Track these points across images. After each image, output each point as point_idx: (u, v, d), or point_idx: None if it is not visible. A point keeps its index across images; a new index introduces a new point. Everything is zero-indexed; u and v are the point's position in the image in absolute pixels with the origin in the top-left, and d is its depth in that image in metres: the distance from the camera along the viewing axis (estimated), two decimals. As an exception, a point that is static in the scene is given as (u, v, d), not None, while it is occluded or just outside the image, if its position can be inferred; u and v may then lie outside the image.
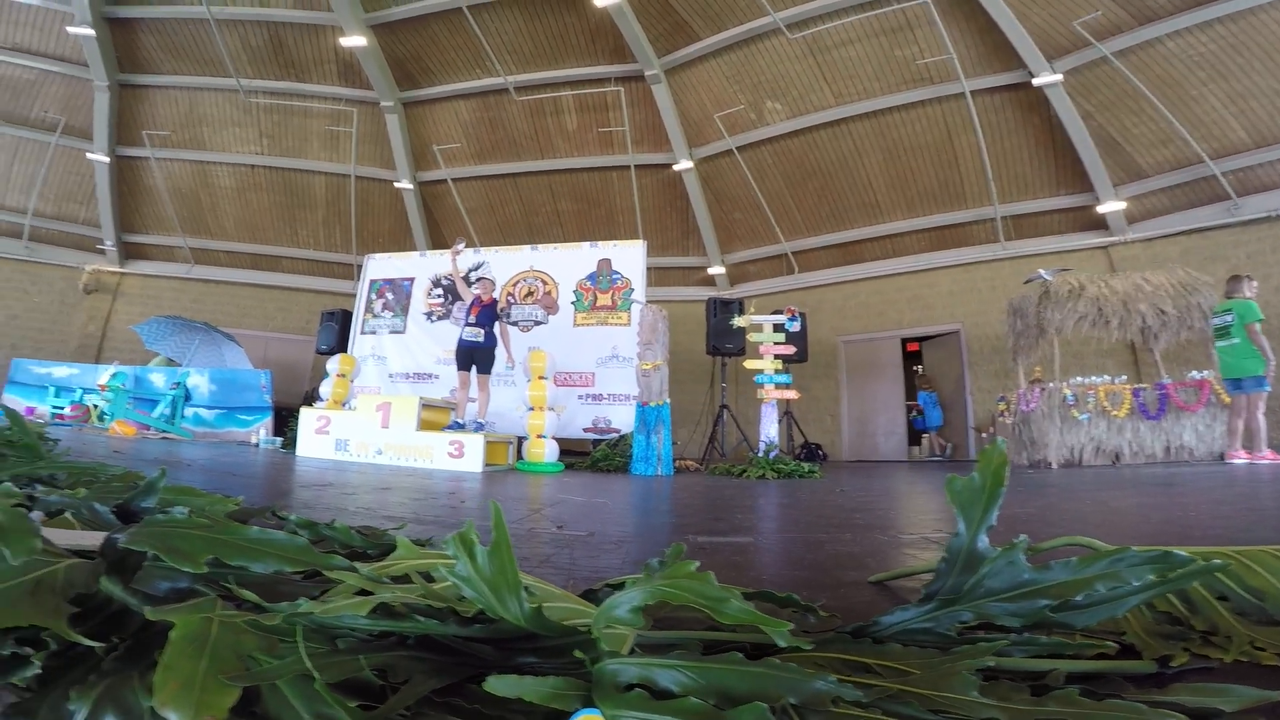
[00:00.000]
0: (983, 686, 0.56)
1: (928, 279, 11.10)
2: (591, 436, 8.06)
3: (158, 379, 10.24)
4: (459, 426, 6.49)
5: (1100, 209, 9.57)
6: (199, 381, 10.13)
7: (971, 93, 9.55)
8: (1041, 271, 7.57)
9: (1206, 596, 0.79)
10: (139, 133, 12.57)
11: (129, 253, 13.77)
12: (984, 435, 9.92)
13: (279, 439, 8.58)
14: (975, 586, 0.71)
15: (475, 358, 6.76)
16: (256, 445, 8.50)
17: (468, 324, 6.82)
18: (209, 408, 9.99)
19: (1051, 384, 7.04)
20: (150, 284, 13.75)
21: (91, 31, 10.93)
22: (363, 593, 0.64)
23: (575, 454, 7.71)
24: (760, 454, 6.16)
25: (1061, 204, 10.04)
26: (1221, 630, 0.75)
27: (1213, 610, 0.77)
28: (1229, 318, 6.30)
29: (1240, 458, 5.97)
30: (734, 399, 9.52)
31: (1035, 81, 9.02)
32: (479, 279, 7.07)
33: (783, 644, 0.59)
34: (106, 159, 12.53)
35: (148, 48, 11.78)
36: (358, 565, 0.72)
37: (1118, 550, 0.69)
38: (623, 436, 7.21)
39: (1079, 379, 7.14)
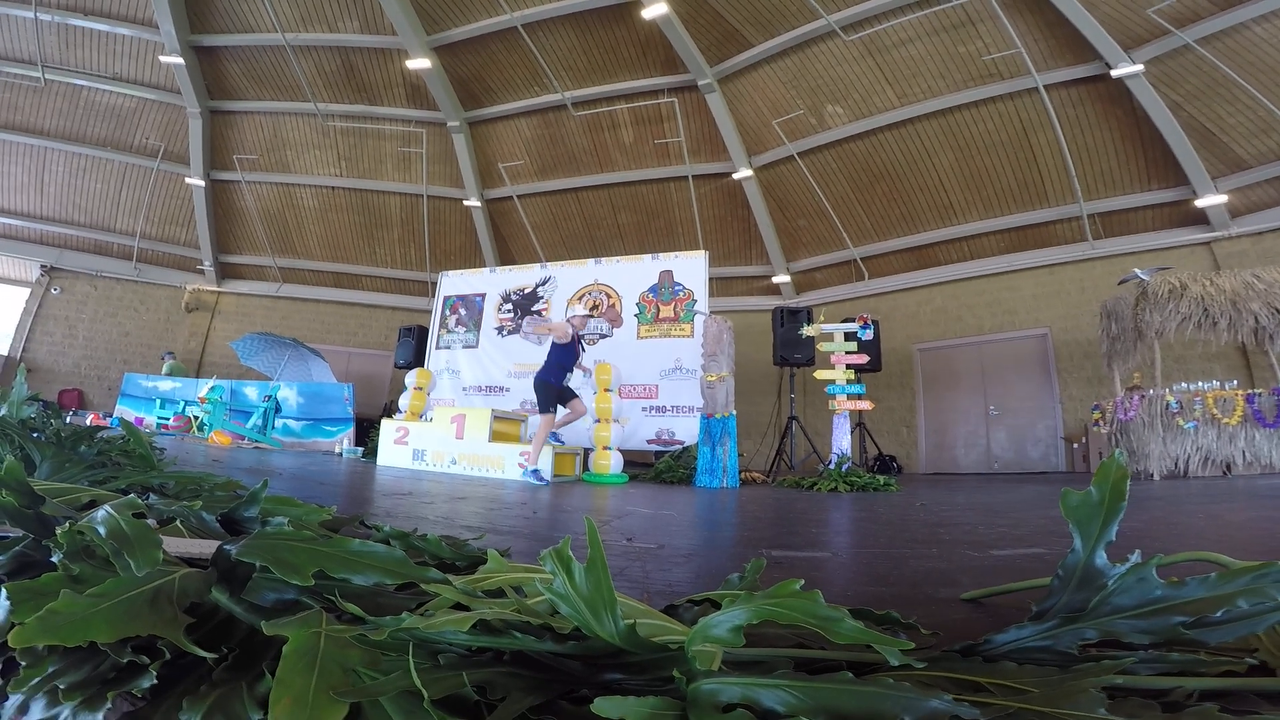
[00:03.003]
0: (1109, 704, 0.52)
1: (1008, 282, 10.56)
2: (655, 448, 8.05)
3: (251, 392, 10.93)
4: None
5: (1199, 203, 8.89)
6: (288, 394, 10.75)
7: (1046, 87, 9.09)
8: (1137, 271, 7.07)
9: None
10: (230, 157, 13.46)
11: (225, 272, 14.81)
12: (1075, 445, 9.32)
13: (360, 449, 8.99)
14: (1101, 603, 0.67)
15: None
16: (340, 454, 8.92)
17: (584, 368, 6.51)
18: (297, 419, 10.58)
19: (1152, 390, 6.54)
20: (244, 302, 14.75)
21: (181, 60, 11.70)
22: (458, 606, 0.65)
23: (638, 465, 7.72)
24: (831, 466, 5.98)
25: (1154, 199, 9.37)
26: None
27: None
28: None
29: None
30: (803, 410, 9.28)
31: (1114, 73, 8.51)
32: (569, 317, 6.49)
33: (894, 662, 0.57)
34: (202, 183, 13.47)
35: (233, 75, 12.57)
36: (451, 578, 0.73)
37: (1261, 565, 0.64)
38: (686, 448, 7.16)
39: (1183, 385, 6.64)
